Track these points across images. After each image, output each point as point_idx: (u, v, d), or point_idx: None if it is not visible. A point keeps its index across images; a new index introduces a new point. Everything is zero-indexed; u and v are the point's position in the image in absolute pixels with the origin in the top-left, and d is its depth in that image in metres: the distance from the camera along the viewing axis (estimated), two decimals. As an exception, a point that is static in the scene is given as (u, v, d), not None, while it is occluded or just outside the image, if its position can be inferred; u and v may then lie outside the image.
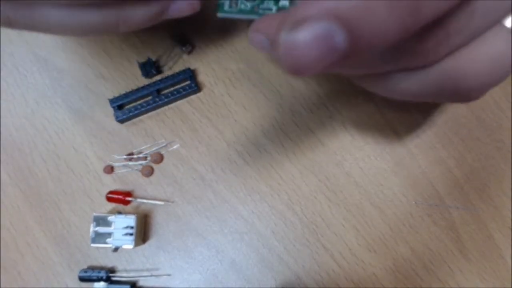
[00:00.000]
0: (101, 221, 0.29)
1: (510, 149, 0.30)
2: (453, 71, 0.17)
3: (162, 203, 0.30)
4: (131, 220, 0.28)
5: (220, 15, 0.23)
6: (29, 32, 0.32)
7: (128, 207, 0.30)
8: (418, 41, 0.15)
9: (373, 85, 0.19)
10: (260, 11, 0.22)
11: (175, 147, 0.30)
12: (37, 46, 0.32)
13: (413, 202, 0.29)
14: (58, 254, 0.30)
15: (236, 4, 0.23)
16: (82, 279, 0.29)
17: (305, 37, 0.12)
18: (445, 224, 0.29)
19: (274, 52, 0.15)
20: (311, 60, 0.12)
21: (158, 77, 0.31)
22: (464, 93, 0.17)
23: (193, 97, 0.31)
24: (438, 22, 0.15)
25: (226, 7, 0.23)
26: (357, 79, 0.20)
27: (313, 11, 0.12)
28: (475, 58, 0.17)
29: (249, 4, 0.23)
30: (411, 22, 0.13)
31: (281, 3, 0.22)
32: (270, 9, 0.22)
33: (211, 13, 0.31)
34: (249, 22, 0.21)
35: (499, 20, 0.17)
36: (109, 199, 0.30)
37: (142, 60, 0.30)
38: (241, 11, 0.23)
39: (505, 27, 0.17)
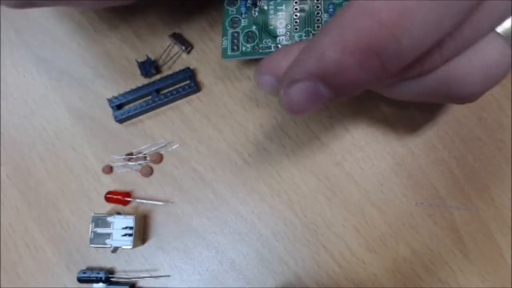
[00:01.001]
0: (100, 221, 0.29)
1: (511, 149, 0.29)
2: (447, 79, 0.18)
3: (161, 203, 0.30)
4: (130, 221, 0.28)
5: (225, 60, 0.26)
6: (29, 32, 0.32)
7: (127, 208, 0.30)
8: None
9: (378, 91, 0.22)
10: (261, 51, 0.25)
11: (174, 147, 0.30)
12: (36, 46, 0.32)
13: (414, 202, 0.29)
14: (57, 255, 0.30)
15: (238, 47, 0.25)
16: (81, 280, 0.29)
17: (296, 92, 0.16)
18: (445, 224, 0.29)
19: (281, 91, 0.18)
20: (304, 106, 0.17)
21: (157, 77, 0.31)
22: (457, 98, 0.19)
23: (192, 97, 0.31)
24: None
25: (229, 52, 0.26)
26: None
27: (301, 74, 0.16)
28: (467, 67, 0.17)
29: (249, 46, 0.25)
30: (380, 74, 0.16)
31: (279, 39, 0.25)
32: (269, 47, 0.25)
33: (212, 13, 0.31)
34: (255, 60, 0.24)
35: (492, 28, 0.17)
36: (108, 200, 0.30)
37: (141, 59, 0.30)
38: (243, 54, 0.25)
39: (498, 35, 0.17)
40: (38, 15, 0.32)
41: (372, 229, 0.29)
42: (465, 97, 0.19)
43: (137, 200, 0.30)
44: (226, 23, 0.26)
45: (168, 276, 0.29)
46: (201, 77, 0.31)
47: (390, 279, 0.29)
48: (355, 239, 0.29)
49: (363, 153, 0.30)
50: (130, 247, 0.28)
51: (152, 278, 0.29)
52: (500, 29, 0.17)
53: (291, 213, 0.29)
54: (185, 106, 0.31)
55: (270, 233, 0.29)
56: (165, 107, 0.31)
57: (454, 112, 0.30)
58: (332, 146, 0.30)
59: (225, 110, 0.31)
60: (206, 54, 0.31)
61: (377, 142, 0.30)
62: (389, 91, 0.20)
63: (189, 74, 0.30)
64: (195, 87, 0.30)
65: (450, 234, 0.29)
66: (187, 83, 0.30)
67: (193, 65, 0.31)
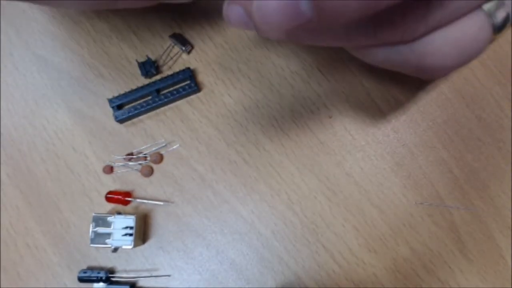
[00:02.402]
0: (100, 221, 0.29)
1: (510, 149, 0.29)
2: (422, 49, 0.17)
3: (161, 203, 0.30)
4: (130, 220, 0.28)
5: None
6: (29, 32, 0.32)
7: (127, 207, 0.30)
8: (398, 17, 0.16)
9: (359, 54, 0.20)
10: None
11: (175, 147, 0.30)
12: (36, 46, 0.32)
13: (413, 202, 0.29)
14: (58, 255, 0.30)
15: None
16: (82, 280, 0.29)
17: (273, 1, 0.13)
18: (445, 224, 0.29)
19: (250, 20, 0.15)
20: (278, 20, 0.14)
21: (157, 77, 0.31)
22: (428, 70, 0.18)
23: (193, 97, 0.31)
24: (418, 2, 0.15)
25: None
26: (348, 49, 0.21)
27: None
28: (444, 38, 0.17)
29: None
30: (371, 5, 0.14)
31: None
32: None
33: (212, 12, 0.31)
34: None
35: (480, 5, 0.17)
36: (109, 199, 0.30)
37: (142, 59, 0.30)
38: None
39: (483, 11, 0.17)
40: (38, 15, 0.32)
41: (372, 229, 0.29)
42: (436, 70, 0.18)
43: (138, 200, 0.30)
44: None
45: (169, 275, 0.29)
46: (201, 77, 0.31)
47: (390, 279, 0.29)
48: (355, 239, 0.29)
49: (363, 153, 0.30)
50: (130, 246, 0.28)
51: (153, 278, 0.29)
52: (487, 6, 0.17)
53: (291, 213, 0.29)
54: (185, 106, 0.31)
55: (270, 233, 0.29)
56: (165, 107, 0.31)
57: (454, 112, 0.30)
58: (332, 146, 0.30)
59: (225, 110, 0.31)
60: (206, 54, 0.31)
61: (377, 142, 0.30)
62: (365, 55, 0.20)
63: (189, 74, 0.30)
64: (195, 87, 0.30)
65: (449, 234, 0.29)
66: (187, 83, 0.30)
67: (193, 65, 0.31)
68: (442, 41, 0.17)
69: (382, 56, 0.19)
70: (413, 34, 0.17)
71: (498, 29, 0.18)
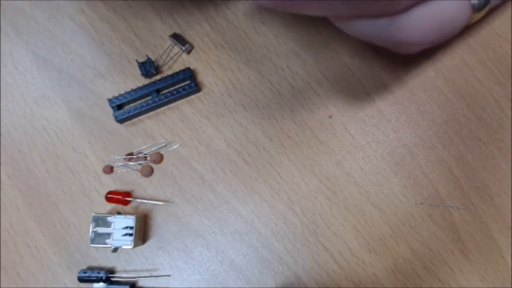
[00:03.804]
0: (100, 221, 0.29)
1: (510, 149, 0.29)
2: (401, 25, 0.18)
3: (161, 203, 0.30)
4: (130, 221, 0.28)
5: None
6: (29, 32, 0.32)
7: (127, 207, 0.30)
8: None
9: (342, 25, 0.21)
10: None
11: (175, 147, 0.30)
12: (36, 46, 0.32)
13: (413, 202, 0.29)
14: (57, 255, 0.30)
15: None
16: (82, 280, 0.29)
17: None
18: (445, 224, 0.29)
19: None
20: None
21: (157, 77, 0.31)
22: (404, 45, 0.19)
23: (193, 97, 0.31)
24: None
25: None
26: (332, 19, 0.21)
27: None
28: (424, 17, 0.18)
29: None
30: None
31: None
32: None
33: (212, 12, 0.31)
34: None
35: None
36: (109, 199, 0.30)
37: (142, 59, 0.30)
38: None
39: None
40: (38, 15, 0.32)
41: (372, 229, 0.29)
42: (411, 44, 0.19)
43: (138, 200, 0.30)
44: None
45: (168, 275, 0.29)
46: (201, 77, 0.31)
47: (390, 279, 0.29)
48: (355, 239, 0.29)
49: (363, 153, 0.30)
50: (130, 246, 0.28)
51: (153, 278, 0.29)
52: None
53: (291, 213, 0.29)
54: (185, 106, 0.31)
55: (270, 233, 0.29)
56: (165, 107, 0.31)
57: (454, 112, 0.30)
58: (332, 146, 0.30)
59: (225, 110, 0.31)
60: (206, 54, 0.31)
61: (377, 142, 0.30)
62: (348, 26, 0.20)
63: (189, 74, 0.30)
64: (195, 87, 0.30)
65: (449, 234, 0.29)
66: (187, 83, 0.30)
67: (193, 65, 0.31)
68: (421, 17, 0.18)
69: (363, 27, 0.19)
70: (394, 8, 0.17)
71: (477, 9, 0.18)
